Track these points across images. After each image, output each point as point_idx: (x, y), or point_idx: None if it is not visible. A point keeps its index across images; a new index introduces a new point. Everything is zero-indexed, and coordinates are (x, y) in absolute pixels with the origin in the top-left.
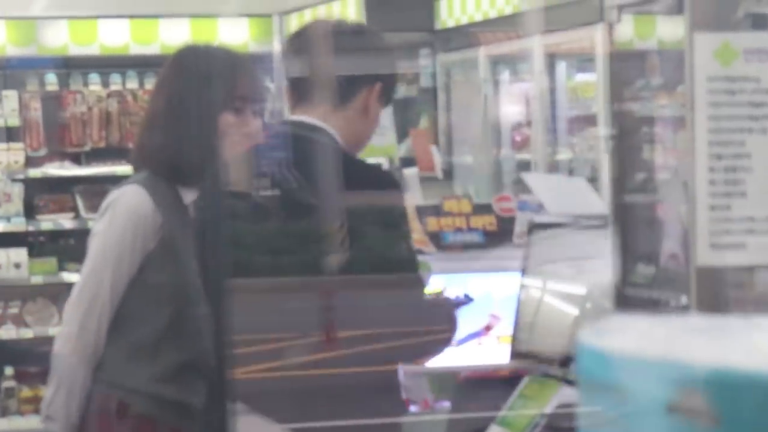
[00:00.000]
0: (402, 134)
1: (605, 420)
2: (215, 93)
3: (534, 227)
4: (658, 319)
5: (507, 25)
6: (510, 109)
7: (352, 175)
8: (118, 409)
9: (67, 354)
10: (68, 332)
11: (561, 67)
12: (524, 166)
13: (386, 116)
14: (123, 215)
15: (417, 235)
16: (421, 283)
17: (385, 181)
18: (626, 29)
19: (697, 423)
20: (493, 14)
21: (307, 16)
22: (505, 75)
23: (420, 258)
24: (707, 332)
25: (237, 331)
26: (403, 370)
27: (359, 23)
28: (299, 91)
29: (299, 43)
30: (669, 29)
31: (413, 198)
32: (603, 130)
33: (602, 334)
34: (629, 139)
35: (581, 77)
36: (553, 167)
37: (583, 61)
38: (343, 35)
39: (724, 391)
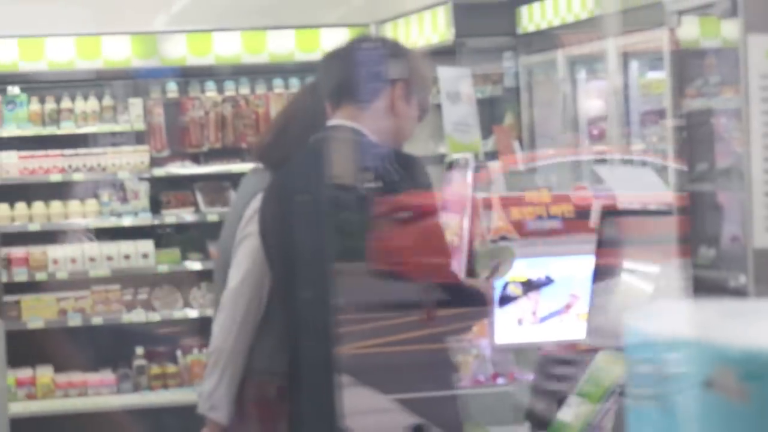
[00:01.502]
0: (487, 131)
1: (650, 395)
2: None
3: (607, 214)
4: (698, 303)
5: (583, 28)
6: (587, 105)
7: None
8: (278, 394)
9: (229, 347)
10: (229, 327)
11: (633, 65)
12: (600, 158)
13: (472, 114)
14: None
15: (501, 223)
16: None
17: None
18: (692, 30)
19: (729, 399)
20: (570, 19)
21: (401, 24)
22: (582, 74)
23: (504, 243)
24: (741, 316)
25: (344, 311)
26: (492, 345)
27: (386, 38)
28: (334, 99)
29: (332, 59)
30: (731, 30)
31: (497, 189)
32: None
33: (647, 317)
34: (692, 131)
35: (652, 75)
36: (628, 159)
37: (654, 59)
38: (367, 48)
39: (755, 370)
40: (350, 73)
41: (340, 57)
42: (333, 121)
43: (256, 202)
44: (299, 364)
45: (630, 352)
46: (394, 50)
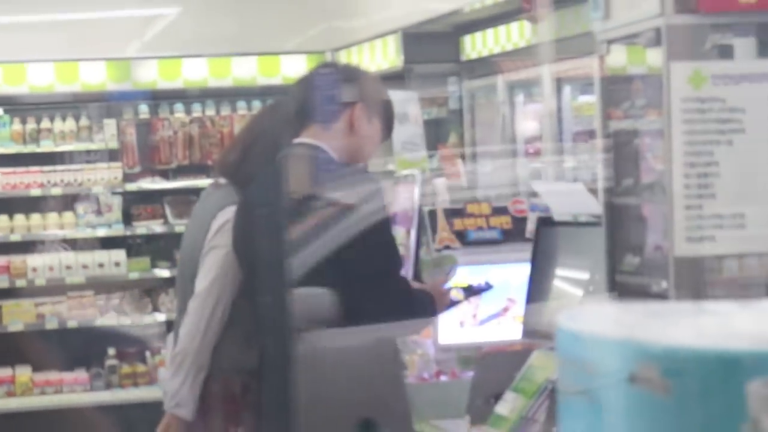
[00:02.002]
0: (433, 149)
1: (579, 389)
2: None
3: (542, 225)
4: (623, 304)
5: (521, 56)
6: (524, 126)
7: (345, 178)
8: (242, 390)
9: (195, 349)
10: (195, 331)
11: (566, 90)
12: (536, 174)
13: (419, 134)
14: None
15: (445, 233)
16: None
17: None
18: (620, 58)
19: (652, 391)
20: (509, 47)
21: (354, 52)
22: (519, 97)
23: (448, 252)
24: (663, 316)
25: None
26: (436, 345)
27: (350, 65)
28: (300, 119)
29: (300, 83)
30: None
31: (442, 202)
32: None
33: (577, 317)
34: (619, 150)
35: (583, 98)
36: (561, 174)
37: (585, 84)
38: (328, 74)
39: (675, 366)
40: (313, 96)
41: (305, 82)
42: (299, 140)
43: (223, 215)
44: (264, 362)
45: (561, 350)
46: (353, 75)
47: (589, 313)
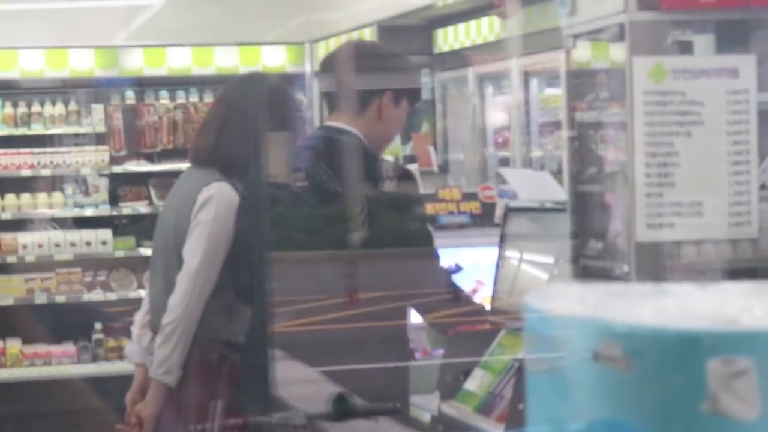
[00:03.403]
0: (406, 137)
1: (545, 366)
2: (258, 114)
3: (509, 210)
4: (588, 285)
5: (490, 49)
6: (493, 117)
7: (378, 169)
8: (219, 359)
9: (187, 319)
10: (187, 302)
11: (534, 82)
12: (504, 162)
13: None
14: (225, 208)
15: None
16: (431, 255)
17: (405, 174)
18: (585, 52)
19: (615, 369)
20: (479, 41)
21: (332, 43)
22: (489, 89)
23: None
24: (625, 296)
25: (279, 294)
26: (408, 324)
27: (377, 44)
28: (331, 102)
29: (329, 63)
30: (619, 52)
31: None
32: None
33: (544, 297)
34: (584, 140)
35: (550, 91)
36: (528, 163)
37: (551, 77)
38: (361, 56)
39: (636, 343)
40: (342, 80)
41: (334, 62)
42: (329, 123)
43: (208, 191)
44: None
45: (528, 328)
46: (387, 62)
47: (555, 293)
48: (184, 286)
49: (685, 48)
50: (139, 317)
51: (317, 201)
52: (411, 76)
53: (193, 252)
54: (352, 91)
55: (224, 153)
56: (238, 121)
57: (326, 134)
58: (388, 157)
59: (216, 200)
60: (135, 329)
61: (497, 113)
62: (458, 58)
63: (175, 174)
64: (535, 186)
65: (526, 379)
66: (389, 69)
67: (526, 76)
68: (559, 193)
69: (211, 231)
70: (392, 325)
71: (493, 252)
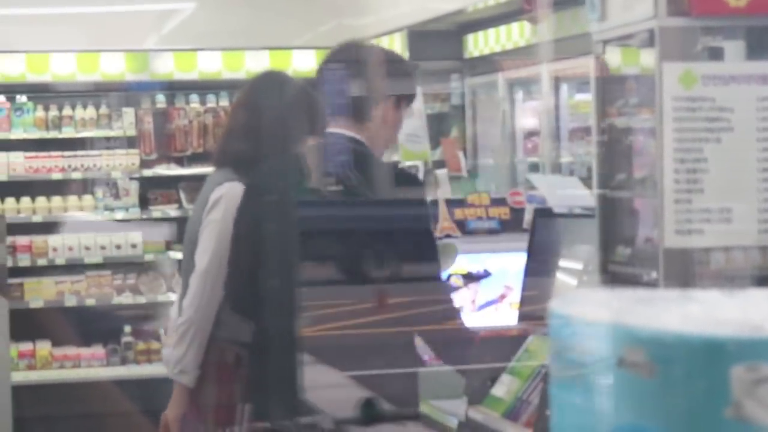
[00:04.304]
0: (435, 142)
1: (570, 371)
2: (286, 116)
3: (538, 216)
4: (613, 291)
5: (521, 55)
6: (523, 122)
7: (389, 175)
8: (235, 360)
9: (199, 319)
10: (198, 303)
11: (564, 88)
12: (534, 167)
13: (422, 127)
14: (233, 207)
15: (446, 222)
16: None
17: (412, 178)
18: (615, 58)
19: (639, 374)
20: (509, 46)
21: None
22: (519, 95)
23: (448, 241)
24: (651, 302)
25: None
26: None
27: (374, 47)
28: (334, 108)
29: (327, 69)
30: (649, 58)
31: (444, 193)
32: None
33: (568, 303)
34: (613, 146)
35: (580, 96)
36: (557, 168)
37: (581, 83)
38: (360, 60)
39: (661, 349)
40: (342, 87)
41: (334, 69)
42: (333, 130)
43: (219, 191)
44: (262, 337)
45: (553, 334)
46: (388, 67)
47: (580, 299)
48: (195, 286)
49: (716, 54)
50: (174, 322)
51: (351, 206)
52: (409, 78)
53: (203, 252)
54: (353, 96)
55: (244, 154)
56: (264, 123)
57: (337, 141)
58: (408, 163)
59: (225, 200)
60: (171, 333)
61: (527, 118)
62: (488, 64)
63: (205, 177)
64: (564, 191)
65: (551, 384)
66: (390, 73)
67: (557, 81)
68: (587, 198)
69: (220, 231)
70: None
71: (521, 258)
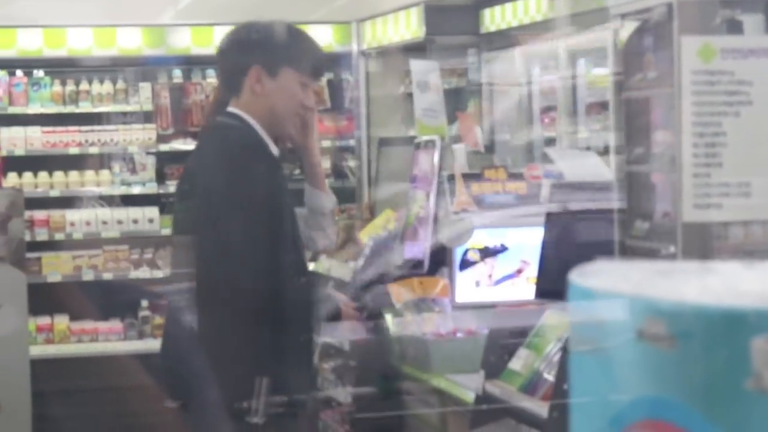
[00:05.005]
0: (452, 117)
1: (589, 344)
2: None
3: (554, 191)
4: (632, 263)
5: (537, 29)
6: (540, 97)
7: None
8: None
9: None
10: None
11: (581, 62)
12: (551, 142)
13: (439, 102)
14: None
15: (463, 197)
16: None
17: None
18: (630, 32)
19: (659, 347)
20: (526, 21)
21: (378, 23)
22: (536, 69)
23: (466, 215)
24: (670, 274)
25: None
26: (453, 303)
27: (255, 22)
28: (225, 86)
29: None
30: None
31: (460, 168)
32: (613, 114)
33: (588, 275)
34: (631, 120)
35: (597, 71)
36: (574, 143)
37: (599, 57)
38: (232, 37)
39: (681, 321)
40: (221, 64)
41: (220, 48)
42: (229, 108)
43: None
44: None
45: (572, 306)
46: (246, 37)
47: (599, 271)
48: None
49: (734, 27)
50: None
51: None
52: (284, 43)
53: None
54: (228, 73)
55: None
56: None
57: (218, 120)
58: (426, 138)
59: None
60: None
61: (544, 93)
62: (505, 38)
63: None
64: (581, 166)
65: (570, 357)
66: (255, 43)
67: (574, 55)
68: (604, 172)
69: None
70: None
71: (538, 232)
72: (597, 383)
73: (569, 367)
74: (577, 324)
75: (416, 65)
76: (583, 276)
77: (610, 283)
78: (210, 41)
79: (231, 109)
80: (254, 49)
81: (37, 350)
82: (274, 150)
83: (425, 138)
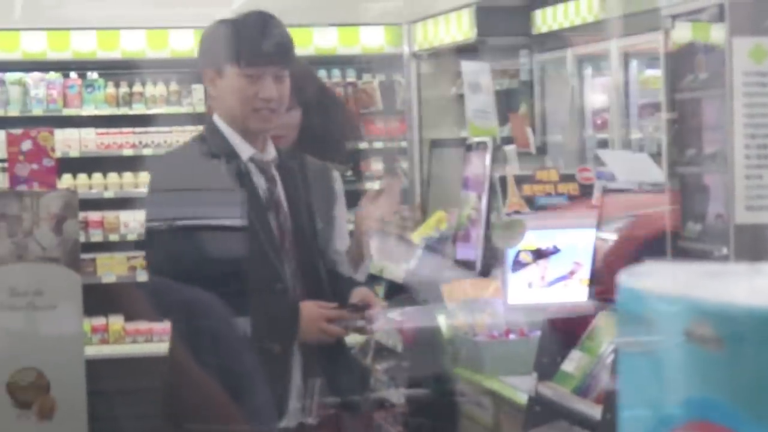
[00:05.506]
0: (504, 118)
1: (638, 345)
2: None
3: (607, 192)
4: (681, 265)
5: (589, 30)
6: (592, 98)
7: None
8: None
9: None
10: None
11: (633, 63)
12: (603, 144)
13: (490, 103)
14: None
15: (515, 198)
16: None
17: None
18: (684, 33)
19: (707, 348)
20: (578, 22)
21: (430, 24)
22: (588, 70)
23: (518, 217)
24: (719, 276)
25: None
26: (505, 305)
27: (231, 17)
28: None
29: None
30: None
31: (512, 169)
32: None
33: (637, 276)
34: (683, 121)
35: (649, 72)
36: (627, 145)
37: (651, 59)
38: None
39: (728, 323)
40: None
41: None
42: None
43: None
44: None
45: (622, 308)
46: (205, 36)
47: (649, 272)
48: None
49: None
50: None
51: None
52: (223, 41)
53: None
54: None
55: None
56: None
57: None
58: (477, 139)
59: None
60: None
61: (596, 95)
62: (557, 39)
63: None
64: (633, 167)
65: (619, 358)
66: (202, 47)
67: (626, 57)
68: (657, 174)
69: None
70: None
71: (590, 234)
72: (645, 384)
73: (618, 368)
74: (625, 325)
75: (467, 66)
76: (632, 277)
77: (658, 284)
78: (308, 42)
79: (213, 115)
80: (203, 53)
81: (93, 351)
82: (247, 151)
83: (477, 139)
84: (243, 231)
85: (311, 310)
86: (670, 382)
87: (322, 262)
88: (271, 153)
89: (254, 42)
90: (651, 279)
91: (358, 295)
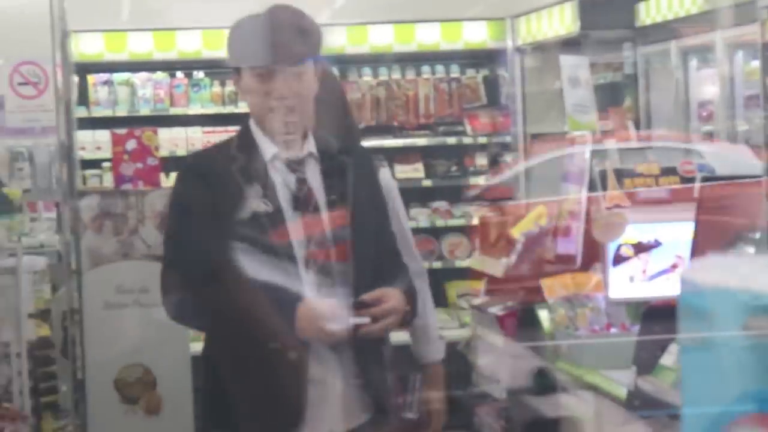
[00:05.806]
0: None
1: (699, 337)
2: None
3: (703, 182)
4: (745, 257)
5: (694, 22)
6: (697, 90)
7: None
8: None
9: None
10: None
11: (739, 55)
12: (708, 135)
13: (589, 97)
14: None
15: (615, 192)
16: None
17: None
18: None
19: (765, 340)
20: (682, 13)
21: (533, 18)
22: (693, 63)
23: (619, 211)
24: None
25: None
26: (607, 299)
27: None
28: None
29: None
30: None
31: (612, 163)
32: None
33: (699, 269)
34: None
35: (755, 63)
36: (733, 137)
37: (756, 50)
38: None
39: None
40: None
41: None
42: None
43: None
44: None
45: (683, 300)
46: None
47: (711, 265)
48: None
49: None
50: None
51: None
52: (234, 42)
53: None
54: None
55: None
56: None
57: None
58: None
59: None
60: None
61: (701, 87)
62: (661, 32)
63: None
64: (733, 160)
65: (680, 351)
66: (228, 50)
67: (731, 48)
68: (756, 166)
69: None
70: None
71: (692, 227)
72: (706, 376)
73: (680, 361)
74: (687, 317)
75: (566, 60)
76: (694, 270)
77: (718, 277)
78: (365, 40)
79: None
80: (229, 56)
81: (199, 347)
82: (270, 150)
83: (576, 133)
84: (252, 231)
85: (309, 309)
86: (731, 375)
87: (376, 250)
88: (305, 150)
89: (262, 39)
90: (712, 272)
91: (378, 291)
